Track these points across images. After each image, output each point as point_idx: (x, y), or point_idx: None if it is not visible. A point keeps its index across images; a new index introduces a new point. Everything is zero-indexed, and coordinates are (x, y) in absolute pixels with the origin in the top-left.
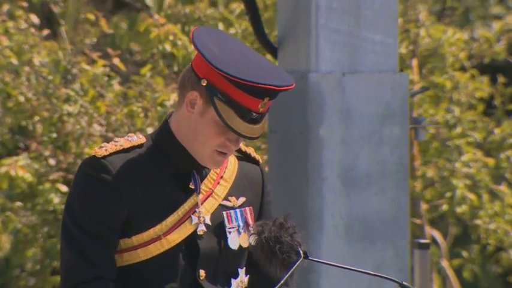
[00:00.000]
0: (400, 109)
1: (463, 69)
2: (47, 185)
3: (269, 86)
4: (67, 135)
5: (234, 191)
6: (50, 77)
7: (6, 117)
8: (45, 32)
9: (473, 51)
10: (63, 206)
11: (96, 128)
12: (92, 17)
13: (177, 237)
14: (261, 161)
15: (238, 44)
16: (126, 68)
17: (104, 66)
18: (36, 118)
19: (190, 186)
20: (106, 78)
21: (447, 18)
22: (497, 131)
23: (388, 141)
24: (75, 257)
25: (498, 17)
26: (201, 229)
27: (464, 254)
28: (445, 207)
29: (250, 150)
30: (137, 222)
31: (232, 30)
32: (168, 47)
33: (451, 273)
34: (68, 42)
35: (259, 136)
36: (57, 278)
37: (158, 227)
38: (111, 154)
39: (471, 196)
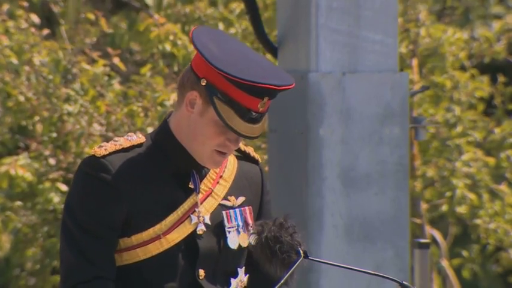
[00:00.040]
0: (400, 109)
1: (463, 68)
2: (47, 184)
3: (269, 86)
4: (67, 134)
5: (233, 191)
6: (50, 77)
7: (6, 116)
8: (45, 31)
9: (473, 51)
10: (63, 206)
11: (96, 128)
12: (91, 16)
13: (176, 236)
14: (260, 160)
15: (237, 44)
16: (126, 67)
17: (104, 65)
18: (36, 118)
19: (189, 186)
20: (106, 78)
21: (447, 18)
22: (497, 130)
23: (388, 141)
24: (75, 256)
25: (498, 17)
26: (201, 229)
27: (464, 253)
28: (445, 207)
29: (250, 150)
30: (137, 221)
31: (232, 30)
32: (168, 47)
33: (451, 273)
34: (68, 42)
35: (259, 136)
36: (57, 278)
37: (158, 226)
38: (110, 153)
39: (471, 196)
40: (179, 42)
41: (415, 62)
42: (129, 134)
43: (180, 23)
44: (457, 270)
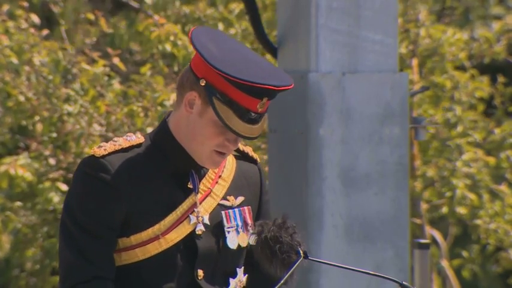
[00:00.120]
0: (400, 109)
1: (463, 69)
2: (47, 184)
3: (268, 86)
4: (67, 134)
5: (232, 191)
6: (50, 77)
7: (6, 117)
8: (45, 31)
9: (473, 51)
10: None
11: (96, 128)
12: (91, 16)
13: (175, 236)
14: (258, 160)
15: (237, 44)
16: (126, 68)
17: (104, 66)
18: (36, 118)
19: (188, 186)
20: (106, 78)
21: (447, 18)
22: (497, 130)
23: (388, 141)
24: (75, 256)
25: (498, 17)
26: (200, 229)
27: (464, 254)
28: (445, 209)
29: (248, 150)
30: (136, 221)
31: (232, 30)
32: (168, 47)
33: (451, 273)
34: (68, 42)
35: (258, 136)
36: (57, 278)
37: (156, 226)
38: (110, 154)
39: (471, 196)
40: (179, 42)
41: (415, 62)
42: (128, 134)
43: (180, 23)
44: (457, 271)
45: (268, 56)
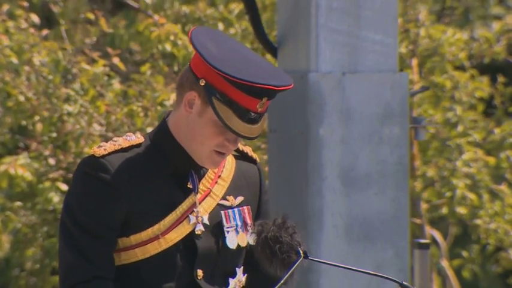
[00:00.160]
0: (400, 109)
1: (462, 68)
2: (47, 184)
3: (267, 86)
4: (67, 134)
5: (231, 191)
6: (50, 77)
7: (6, 117)
8: (45, 31)
9: (473, 51)
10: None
11: (96, 128)
12: (91, 16)
13: (175, 236)
14: (258, 160)
15: (236, 44)
16: (126, 67)
17: (104, 65)
18: (36, 118)
19: (188, 186)
20: (106, 78)
21: (447, 18)
22: (497, 130)
23: (388, 141)
24: (74, 256)
25: (498, 17)
26: (199, 229)
27: (464, 254)
28: (445, 209)
29: (248, 150)
30: (135, 221)
31: (232, 30)
32: (168, 47)
33: (451, 273)
34: (68, 42)
35: (258, 136)
36: (57, 278)
37: (156, 226)
38: (109, 153)
39: (471, 196)
40: (179, 42)
41: (414, 62)
42: (128, 134)
43: (180, 23)
44: (457, 271)
45: (268, 56)
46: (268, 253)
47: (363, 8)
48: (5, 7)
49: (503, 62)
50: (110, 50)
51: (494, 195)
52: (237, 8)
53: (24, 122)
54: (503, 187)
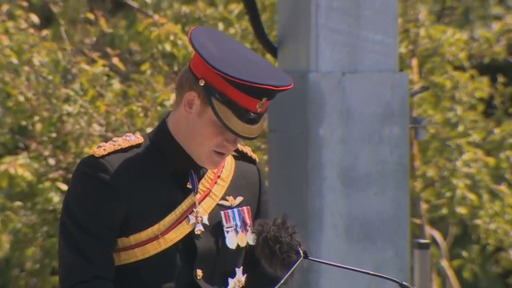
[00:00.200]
0: (400, 109)
1: (462, 69)
2: (47, 184)
3: (267, 86)
4: (67, 135)
5: (231, 191)
6: (50, 77)
7: (6, 117)
8: (45, 32)
9: (473, 51)
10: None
11: (96, 128)
12: (91, 16)
13: (174, 236)
14: (257, 160)
15: (236, 44)
16: (126, 68)
17: (104, 66)
18: (36, 118)
19: (187, 186)
20: (105, 78)
21: (447, 18)
22: (497, 130)
23: (388, 141)
24: (74, 256)
25: (498, 17)
26: (199, 229)
27: (464, 254)
28: (445, 210)
29: (247, 150)
30: (135, 221)
31: (232, 30)
32: (168, 47)
33: (450, 274)
34: (67, 42)
35: (257, 136)
36: (57, 278)
37: (156, 226)
38: (109, 154)
39: (471, 196)
40: (179, 42)
41: (414, 62)
42: (128, 134)
43: (180, 23)
44: (457, 271)
45: (268, 56)
46: (268, 253)
47: (363, 8)
48: (5, 7)
49: (503, 62)
50: (109, 50)
51: (494, 195)
52: (236, 8)
53: (24, 122)
54: (503, 187)
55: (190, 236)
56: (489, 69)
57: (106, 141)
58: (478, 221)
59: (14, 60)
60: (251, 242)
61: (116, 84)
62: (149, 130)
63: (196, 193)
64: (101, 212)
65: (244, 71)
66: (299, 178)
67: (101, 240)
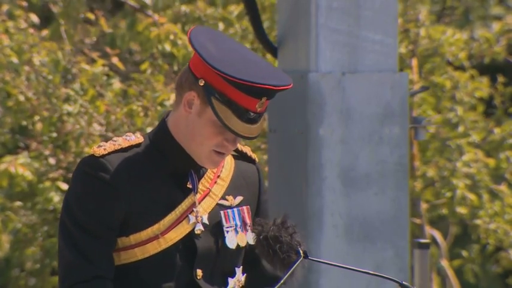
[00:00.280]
0: (400, 109)
1: (462, 69)
2: (47, 184)
3: (267, 86)
4: (67, 134)
5: (231, 190)
6: (50, 77)
7: (6, 116)
8: (45, 32)
9: (473, 51)
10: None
11: (96, 128)
12: (92, 16)
13: (174, 236)
14: (257, 160)
15: (235, 44)
16: (126, 68)
17: (103, 65)
18: (36, 117)
19: (187, 186)
20: (105, 78)
21: (447, 18)
22: (497, 130)
23: (388, 141)
24: (74, 255)
25: (498, 18)
26: (199, 228)
27: (464, 254)
28: (445, 210)
29: (247, 149)
30: (135, 221)
31: (231, 30)
32: (168, 47)
33: (450, 273)
34: (67, 42)
35: (257, 136)
36: (57, 278)
37: (156, 226)
38: (109, 153)
39: (471, 196)
40: (179, 42)
41: (414, 62)
42: (128, 134)
43: (180, 22)
44: (457, 271)
45: (269, 56)
46: (268, 253)
47: (363, 8)
48: (5, 7)
49: (503, 62)
50: (109, 50)
51: (494, 195)
52: (235, 10)
53: (24, 122)
54: (503, 187)
55: (190, 236)
56: (489, 69)
57: (106, 141)
58: (478, 221)
59: (14, 60)
60: (251, 242)
61: (116, 84)
62: (149, 130)
63: (196, 193)
64: (101, 211)
65: (244, 70)
66: (299, 178)
67: (100, 240)
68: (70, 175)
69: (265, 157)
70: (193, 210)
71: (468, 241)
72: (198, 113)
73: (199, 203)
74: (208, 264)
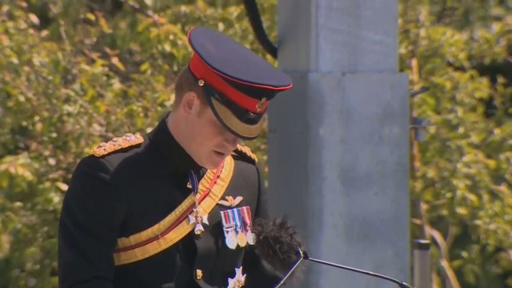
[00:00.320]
0: (400, 109)
1: (462, 69)
2: (47, 184)
3: (266, 86)
4: (67, 135)
5: (230, 191)
6: (50, 77)
7: (6, 117)
8: (44, 32)
9: (473, 52)
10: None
11: (96, 128)
12: (91, 16)
13: (174, 236)
14: (256, 160)
15: (235, 45)
16: (126, 68)
17: (103, 65)
18: (36, 118)
19: (187, 186)
20: (105, 78)
21: (447, 19)
22: (497, 131)
23: (388, 141)
24: (74, 256)
25: (498, 18)
26: (199, 229)
27: (464, 254)
28: (445, 211)
29: (246, 150)
30: (135, 221)
31: (232, 31)
32: (167, 47)
33: (450, 274)
34: (67, 42)
35: (257, 136)
36: (57, 279)
37: (156, 226)
38: (109, 153)
39: (471, 196)
40: (179, 42)
41: (414, 63)
42: (128, 134)
43: (180, 23)
44: (457, 271)
45: (269, 56)
46: (268, 253)
47: (363, 8)
48: (5, 8)
49: (503, 62)
50: (108, 50)
51: (494, 195)
52: (235, 11)
53: (24, 122)
54: (503, 188)
55: (190, 236)
56: (489, 69)
57: (106, 141)
58: (478, 222)
59: (14, 60)
60: (251, 242)
61: (116, 84)
62: (149, 130)
63: (196, 193)
64: (100, 211)
65: (243, 71)
66: (299, 178)
67: (100, 240)
68: (70, 176)
69: (265, 157)
70: (193, 211)
71: (468, 242)
72: (197, 114)
73: (199, 203)
74: (208, 265)
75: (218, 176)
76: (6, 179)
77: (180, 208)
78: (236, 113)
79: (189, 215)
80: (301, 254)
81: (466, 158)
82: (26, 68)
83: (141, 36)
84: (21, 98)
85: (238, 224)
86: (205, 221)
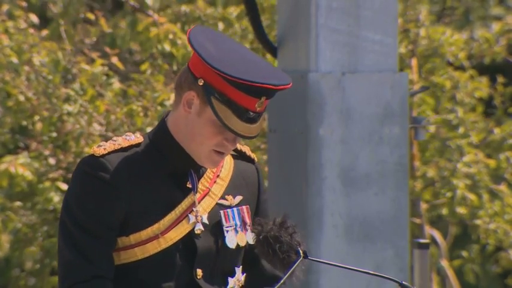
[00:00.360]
0: (399, 109)
1: (462, 69)
2: (47, 184)
3: (266, 85)
4: (67, 134)
5: (230, 190)
6: (50, 77)
7: (6, 116)
8: (44, 32)
9: (473, 51)
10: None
11: (96, 128)
12: (91, 16)
13: (174, 236)
14: (256, 159)
15: (235, 44)
16: (126, 67)
17: (103, 65)
18: (36, 117)
19: (187, 185)
20: (105, 78)
21: (447, 18)
22: (497, 131)
23: (388, 141)
24: (74, 255)
25: (498, 18)
26: (199, 228)
27: (464, 254)
28: (445, 211)
29: (246, 149)
30: (135, 221)
31: (231, 30)
32: (167, 47)
33: (450, 273)
34: (67, 42)
35: (257, 135)
36: (57, 278)
37: (156, 225)
38: (109, 153)
39: (471, 196)
40: (178, 41)
41: (414, 62)
42: (127, 133)
43: (179, 22)
44: (457, 271)
45: (268, 56)
46: (268, 253)
47: (363, 8)
48: (5, 7)
49: (503, 62)
50: (108, 49)
51: (494, 195)
52: (235, 11)
53: (24, 122)
54: (502, 187)
55: (190, 236)
56: (489, 69)
57: (106, 141)
58: (478, 221)
59: (14, 60)
60: (251, 242)
61: (116, 84)
62: (149, 129)
63: (196, 192)
64: (100, 211)
65: (243, 70)
66: (299, 178)
67: (100, 240)
68: (70, 175)
69: (265, 157)
70: (193, 210)
71: (468, 241)
72: (197, 113)
73: (199, 203)
74: (208, 264)
75: (218, 176)
76: (6, 179)
77: (180, 207)
78: (236, 112)
79: (189, 214)
80: (301, 254)
81: (466, 158)
82: (26, 68)
83: (141, 35)
84: (21, 98)
85: (238, 223)
86: (205, 221)
